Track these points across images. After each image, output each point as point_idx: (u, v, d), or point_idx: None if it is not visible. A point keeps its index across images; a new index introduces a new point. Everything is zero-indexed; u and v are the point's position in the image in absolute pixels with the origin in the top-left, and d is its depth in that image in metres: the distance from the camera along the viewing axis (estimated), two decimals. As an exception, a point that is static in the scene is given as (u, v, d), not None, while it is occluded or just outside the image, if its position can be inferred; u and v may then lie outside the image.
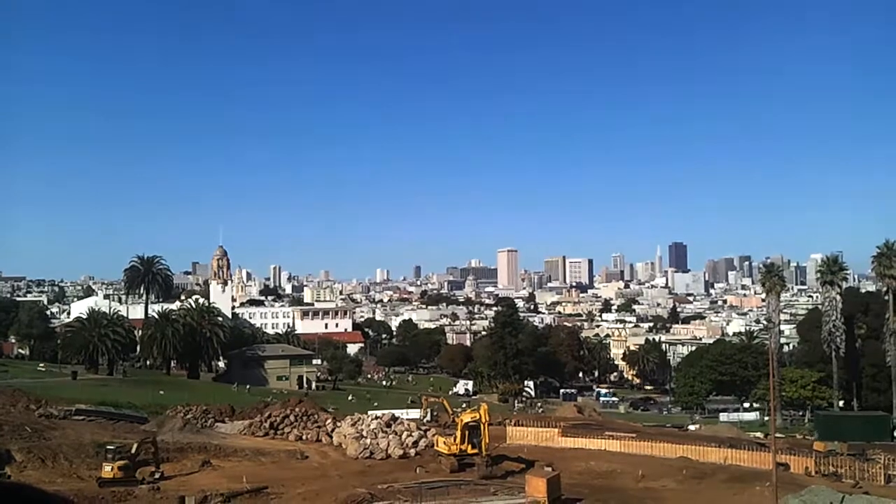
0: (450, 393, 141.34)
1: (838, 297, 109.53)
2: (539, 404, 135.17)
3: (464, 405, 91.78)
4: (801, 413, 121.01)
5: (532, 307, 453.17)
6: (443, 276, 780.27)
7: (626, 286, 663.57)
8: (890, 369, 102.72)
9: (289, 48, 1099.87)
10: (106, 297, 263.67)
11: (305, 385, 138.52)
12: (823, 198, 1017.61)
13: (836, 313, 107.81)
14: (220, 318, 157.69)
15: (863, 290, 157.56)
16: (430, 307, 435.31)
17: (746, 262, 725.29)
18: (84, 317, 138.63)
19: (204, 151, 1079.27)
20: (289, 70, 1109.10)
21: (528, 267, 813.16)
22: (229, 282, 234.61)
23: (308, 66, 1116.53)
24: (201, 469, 51.93)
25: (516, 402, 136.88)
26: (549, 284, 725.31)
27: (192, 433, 63.35)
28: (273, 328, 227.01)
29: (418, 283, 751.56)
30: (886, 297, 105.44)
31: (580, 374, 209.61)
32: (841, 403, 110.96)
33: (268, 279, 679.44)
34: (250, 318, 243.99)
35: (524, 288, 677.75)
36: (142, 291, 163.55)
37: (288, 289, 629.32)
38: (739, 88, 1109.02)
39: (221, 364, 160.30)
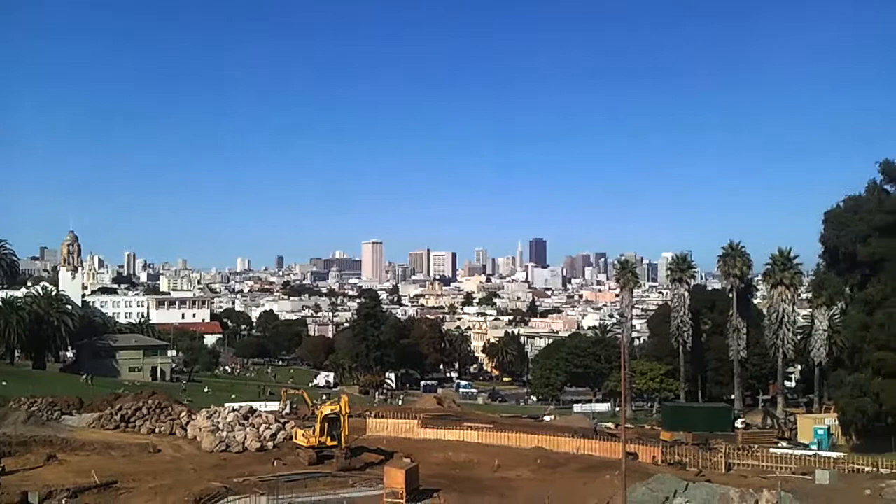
0: (310, 385, 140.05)
1: (686, 294, 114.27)
2: (400, 396, 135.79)
3: (324, 397, 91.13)
4: (649, 404, 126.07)
5: (396, 299, 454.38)
6: (306, 267, 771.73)
7: (488, 280, 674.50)
8: (732, 363, 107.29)
9: (156, 26, 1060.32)
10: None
11: (171, 377, 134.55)
12: (674, 198, 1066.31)
13: (684, 309, 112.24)
14: (70, 307, 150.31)
15: (709, 288, 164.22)
16: (292, 298, 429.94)
17: (602, 259, 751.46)
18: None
19: (56, 131, 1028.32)
20: (149, 52, 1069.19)
21: (393, 259, 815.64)
22: (80, 268, 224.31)
23: (165, 49, 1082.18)
24: (46, 463, 49.79)
25: (377, 393, 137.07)
26: (414, 277, 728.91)
27: (37, 426, 60.88)
28: (126, 317, 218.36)
29: (280, 273, 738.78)
30: (730, 295, 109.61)
31: (441, 367, 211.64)
32: (687, 395, 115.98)
33: (121, 267, 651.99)
34: (102, 306, 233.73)
35: (388, 280, 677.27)
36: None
37: (143, 277, 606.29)
38: (604, 86, 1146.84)
39: (70, 354, 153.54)
